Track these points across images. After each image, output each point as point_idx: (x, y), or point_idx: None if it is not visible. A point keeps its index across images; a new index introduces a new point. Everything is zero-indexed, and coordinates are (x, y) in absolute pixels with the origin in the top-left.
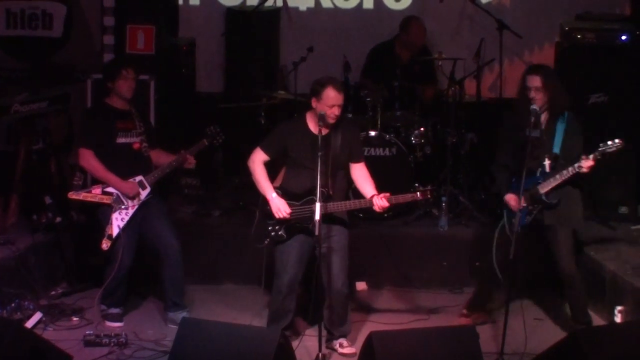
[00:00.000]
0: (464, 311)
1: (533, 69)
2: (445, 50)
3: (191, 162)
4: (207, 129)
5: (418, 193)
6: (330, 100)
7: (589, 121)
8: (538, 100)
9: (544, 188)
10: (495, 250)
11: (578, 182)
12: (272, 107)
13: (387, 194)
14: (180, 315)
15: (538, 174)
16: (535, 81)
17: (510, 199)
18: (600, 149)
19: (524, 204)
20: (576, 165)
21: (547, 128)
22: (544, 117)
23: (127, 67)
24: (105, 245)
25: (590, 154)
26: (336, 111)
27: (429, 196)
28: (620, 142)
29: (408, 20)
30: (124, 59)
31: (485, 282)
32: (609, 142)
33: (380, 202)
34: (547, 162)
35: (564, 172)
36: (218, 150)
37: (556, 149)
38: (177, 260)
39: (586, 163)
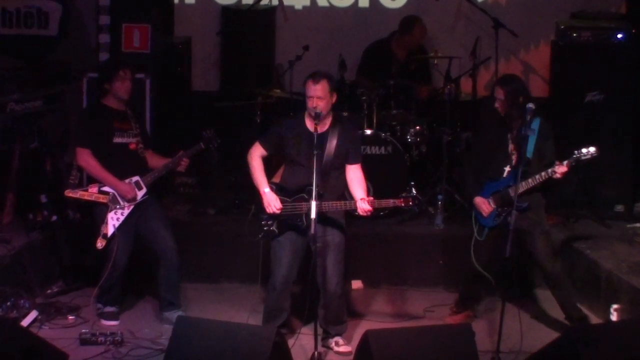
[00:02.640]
0: (453, 308)
1: (499, 82)
2: (441, 48)
3: (184, 164)
4: (204, 132)
5: (402, 200)
6: (308, 92)
7: (584, 120)
8: (502, 110)
9: (514, 191)
10: (473, 253)
11: (543, 189)
12: (268, 105)
13: (371, 198)
14: (175, 314)
15: (504, 177)
16: (499, 94)
17: (481, 203)
18: (574, 156)
19: (493, 206)
20: (549, 170)
21: (519, 133)
22: (515, 124)
23: (124, 68)
24: (100, 244)
25: (564, 160)
26: (314, 102)
27: (411, 204)
28: (596, 150)
29: (412, 22)
30: (121, 59)
31: (469, 284)
32: (584, 150)
33: (364, 205)
34: (506, 169)
35: (537, 176)
36: (213, 153)
37: (528, 154)
38: (174, 262)
39: (560, 169)
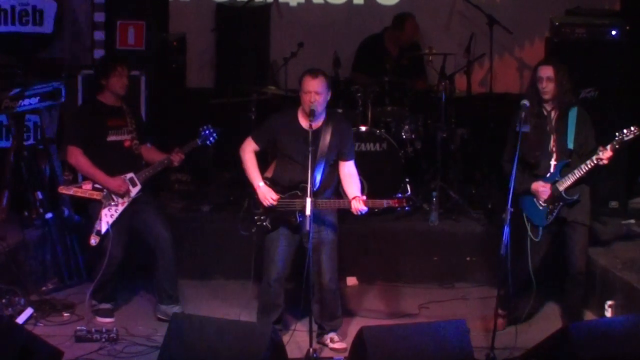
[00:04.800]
0: (500, 311)
1: (546, 60)
2: (436, 45)
3: (178, 159)
4: (201, 128)
5: (395, 201)
6: (305, 86)
7: None
8: (548, 91)
9: (562, 185)
10: (530, 256)
11: (588, 178)
12: (263, 102)
13: (364, 198)
14: (172, 309)
15: (551, 172)
16: (547, 71)
17: (539, 186)
18: (617, 138)
19: (545, 202)
20: (594, 157)
21: (558, 124)
22: (554, 114)
23: (120, 64)
24: (94, 240)
25: (607, 144)
26: (311, 98)
27: (404, 205)
28: (637, 128)
29: (403, 18)
30: (117, 55)
31: (521, 289)
32: (625, 131)
33: (358, 205)
34: (552, 163)
35: (583, 166)
36: (208, 149)
37: (570, 145)
38: (168, 252)
39: (605, 154)
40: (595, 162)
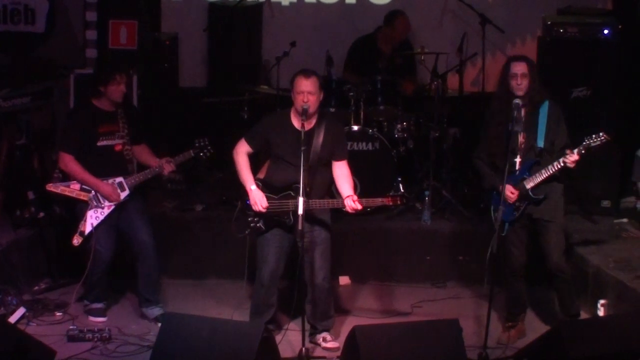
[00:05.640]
0: (507, 324)
1: (518, 57)
2: (428, 44)
3: (169, 169)
4: (196, 140)
5: (390, 199)
6: (298, 87)
7: (571, 115)
8: (522, 88)
9: (529, 183)
10: (496, 250)
11: (561, 176)
12: (255, 101)
13: (356, 198)
14: (153, 311)
15: (517, 169)
16: (521, 67)
17: (507, 190)
18: (584, 143)
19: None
20: (561, 160)
21: (528, 121)
22: (524, 111)
23: (120, 72)
24: (76, 241)
25: (574, 148)
26: (304, 98)
27: (398, 203)
28: (605, 135)
29: (394, 15)
30: (117, 63)
31: (510, 286)
32: (594, 136)
33: (353, 204)
34: (517, 160)
35: (550, 167)
36: (204, 162)
37: (540, 142)
38: (150, 257)
39: (571, 157)
40: (561, 164)
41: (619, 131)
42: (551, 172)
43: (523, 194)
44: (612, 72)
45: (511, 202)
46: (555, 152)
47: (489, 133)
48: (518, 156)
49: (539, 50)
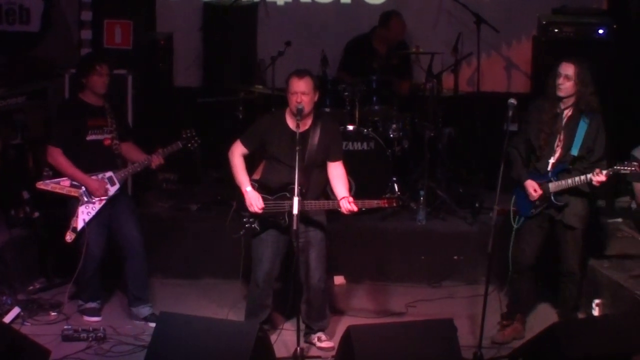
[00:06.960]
0: (503, 322)
1: (570, 58)
2: (423, 44)
3: (157, 162)
4: (183, 131)
5: (385, 201)
6: (292, 87)
7: None
8: (563, 89)
9: (554, 188)
10: (512, 242)
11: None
12: (250, 101)
13: (351, 199)
14: (143, 310)
15: (548, 171)
16: (568, 69)
17: (531, 187)
18: (615, 167)
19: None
20: (588, 176)
21: (568, 125)
22: (567, 112)
23: (100, 63)
24: (69, 237)
25: (608, 167)
26: (298, 98)
27: (394, 205)
28: (637, 166)
29: (389, 15)
30: (98, 54)
31: (514, 283)
32: (626, 163)
33: (348, 205)
34: (551, 161)
35: (577, 179)
36: (195, 152)
37: (574, 151)
38: (139, 253)
39: (598, 177)
40: (587, 179)
41: (613, 131)
42: (577, 183)
43: (546, 196)
44: (607, 71)
45: (533, 200)
46: (589, 161)
47: (529, 128)
48: (552, 157)
49: (534, 49)
